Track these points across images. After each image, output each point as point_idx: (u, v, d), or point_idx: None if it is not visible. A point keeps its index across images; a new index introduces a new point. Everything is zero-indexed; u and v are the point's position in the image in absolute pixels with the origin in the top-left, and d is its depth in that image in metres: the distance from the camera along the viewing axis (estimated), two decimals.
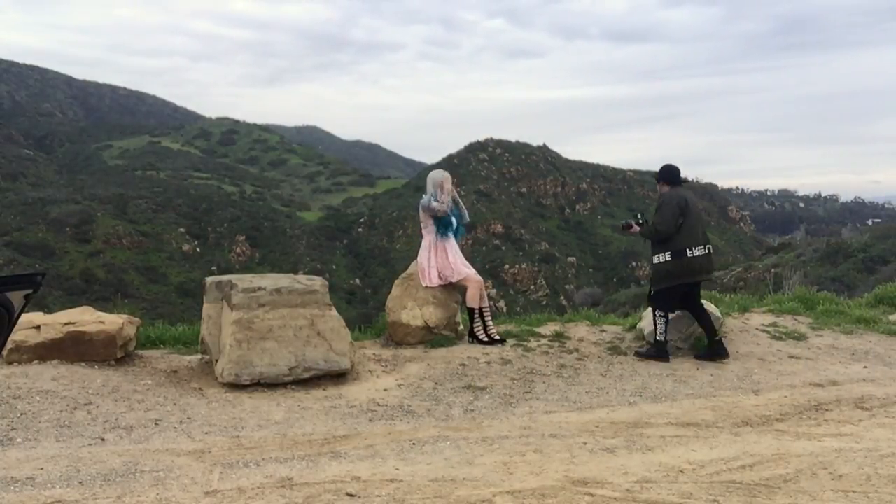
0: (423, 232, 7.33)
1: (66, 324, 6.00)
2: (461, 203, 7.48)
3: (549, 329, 7.59)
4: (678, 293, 7.00)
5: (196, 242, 76.26)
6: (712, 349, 7.01)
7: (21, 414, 4.97)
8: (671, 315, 7.05)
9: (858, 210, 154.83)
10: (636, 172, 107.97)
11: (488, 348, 6.88)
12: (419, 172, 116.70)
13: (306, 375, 5.91)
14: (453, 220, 7.29)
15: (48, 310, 6.59)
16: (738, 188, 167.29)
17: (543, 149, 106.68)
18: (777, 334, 7.81)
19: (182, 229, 76.43)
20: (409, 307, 7.09)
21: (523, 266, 79.23)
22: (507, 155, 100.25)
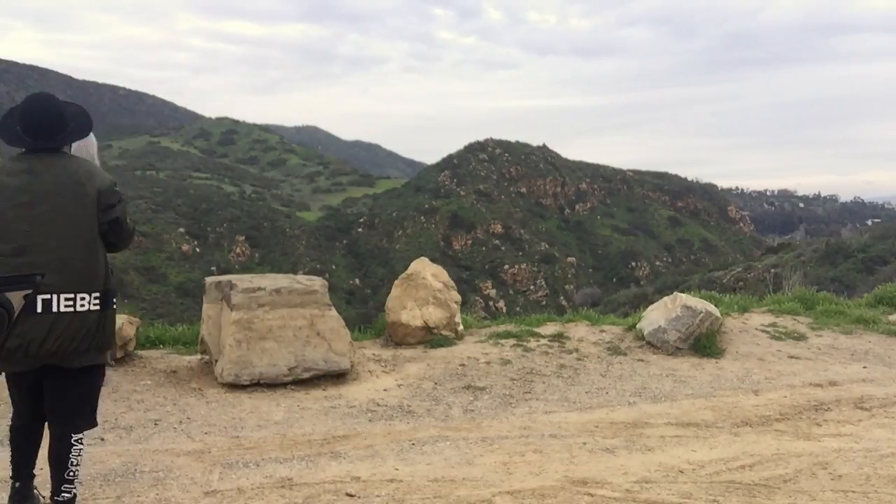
0: None
1: None
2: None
3: (548, 329, 7.58)
4: None
5: (196, 242, 76.28)
6: None
7: None
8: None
9: (858, 210, 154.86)
10: (636, 172, 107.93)
11: (488, 348, 6.87)
12: (419, 173, 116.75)
13: (306, 375, 5.91)
14: None
15: None
16: (737, 188, 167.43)
17: (543, 149, 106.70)
18: (777, 334, 7.81)
19: (182, 229, 76.46)
20: (409, 307, 7.08)
21: (523, 266, 79.29)
22: (506, 155, 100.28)
